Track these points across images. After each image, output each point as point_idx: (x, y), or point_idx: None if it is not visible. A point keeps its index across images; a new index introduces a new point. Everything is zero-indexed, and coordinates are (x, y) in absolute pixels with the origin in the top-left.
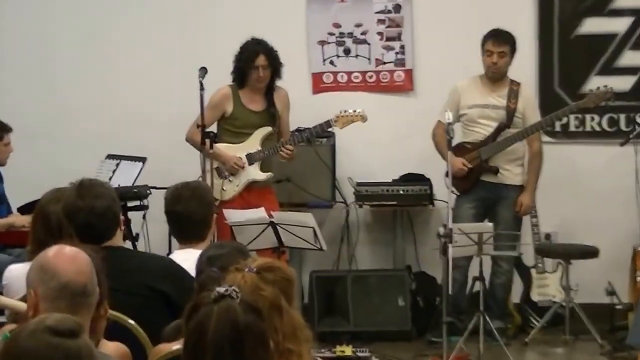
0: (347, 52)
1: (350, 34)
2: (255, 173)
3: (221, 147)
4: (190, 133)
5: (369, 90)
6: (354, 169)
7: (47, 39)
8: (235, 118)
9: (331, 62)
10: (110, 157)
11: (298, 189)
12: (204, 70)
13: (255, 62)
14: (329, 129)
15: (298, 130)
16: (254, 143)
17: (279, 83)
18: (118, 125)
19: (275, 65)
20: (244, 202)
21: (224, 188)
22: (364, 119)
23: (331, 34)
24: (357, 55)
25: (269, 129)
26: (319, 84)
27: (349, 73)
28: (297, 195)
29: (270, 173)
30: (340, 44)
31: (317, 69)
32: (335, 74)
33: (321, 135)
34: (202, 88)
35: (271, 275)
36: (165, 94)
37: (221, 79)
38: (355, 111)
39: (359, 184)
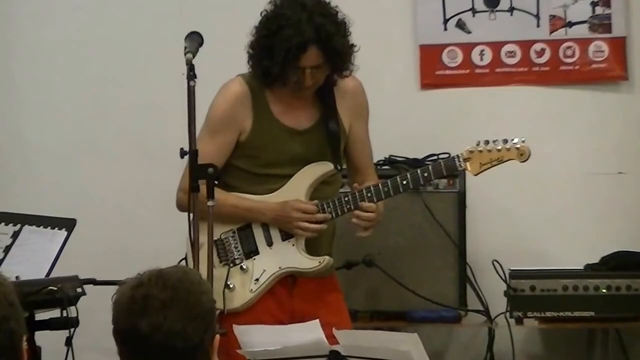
0: (491, 2)
1: None
2: (294, 257)
3: (226, 196)
4: (182, 191)
5: (537, 82)
6: (504, 242)
7: None
8: (257, 145)
9: (459, 25)
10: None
11: (390, 282)
12: (195, 40)
13: (300, 62)
14: (454, 171)
15: (389, 162)
16: (294, 195)
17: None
18: (16, 156)
19: (336, 61)
20: (277, 308)
21: (231, 284)
22: (523, 155)
23: None
24: (512, 9)
25: (326, 167)
26: (433, 69)
27: (497, 45)
28: (389, 296)
29: (326, 259)
30: None
31: (431, 37)
32: (467, 47)
33: (438, 177)
34: (191, 76)
35: None
36: (113, 96)
37: (220, 64)
38: (507, 143)
39: (517, 274)
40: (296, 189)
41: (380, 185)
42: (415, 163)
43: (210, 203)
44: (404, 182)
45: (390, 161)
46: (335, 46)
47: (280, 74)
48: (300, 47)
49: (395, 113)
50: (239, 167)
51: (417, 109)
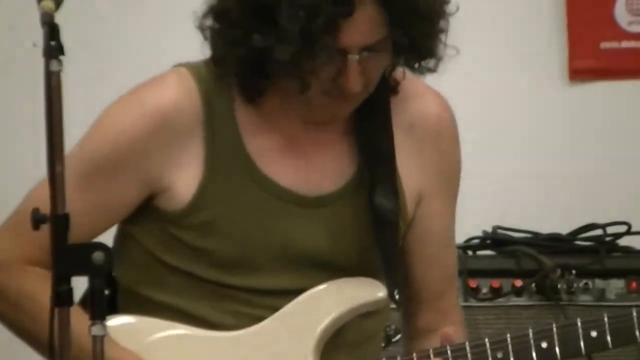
0: None
1: None
2: None
3: (122, 328)
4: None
5: None
6: None
7: None
8: (206, 222)
9: None
10: None
11: None
12: None
13: (341, 37)
14: None
15: (495, 243)
16: (287, 346)
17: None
18: None
19: (414, 36)
20: None
21: None
22: None
23: None
24: None
25: (373, 292)
26: (595, 40)
27: None
28: None
29: None
30: None
31: None
32: None
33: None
34: (54, 50)
35: None
36: None
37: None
38: None
39: None
40: (300, 328)
41: (488, 349)
42: (553, 245)
43: (97, 330)
44: (544, 346)
45: (497, 240)
46: (415, 2)
47: (295, 65)
48: (344, 1)
49: (514, 134)
50: (170, 264)
51: (562, 123)
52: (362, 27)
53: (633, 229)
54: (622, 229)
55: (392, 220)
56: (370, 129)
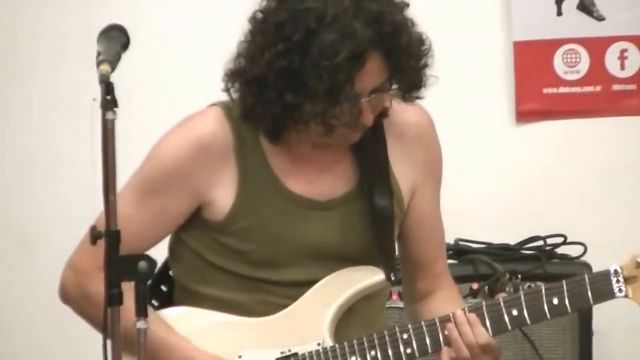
0: None
1: None
2: None
3: (176, 316)
4: (77, 274)
5: None
6: None
7: None
8: (242, 229)
9: (585, 6)
10: None
11: None
12: (116, 40)
13: (355, 87)
14: (606, 299)
15: (457, 252)
16: (310, 321)
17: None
18: None
19: (408, 74)
20: None
21: None
22: None
23: None
24: None
25: (373, 276)
26: (538, 86)
27: None
28: None
29: None
30: None
31: (535, 29)
32: (598, 45)
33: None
34: (109, 103)
35: None
36: None
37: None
38: None
39: None
40: (316, 310)
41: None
42: (504, 254)
43: (141, 324)
44: (514, 314)
45: (459, 250)
46: (410, 47)
47: (321, 114)
48: (356, 59)
49: (471, 164)
50: (214, 263)
51: (510, 156)
52: (371, 75)
53: (568, 240)
54: (560, 240)
55: (388, 216)
56: (367, 146)
